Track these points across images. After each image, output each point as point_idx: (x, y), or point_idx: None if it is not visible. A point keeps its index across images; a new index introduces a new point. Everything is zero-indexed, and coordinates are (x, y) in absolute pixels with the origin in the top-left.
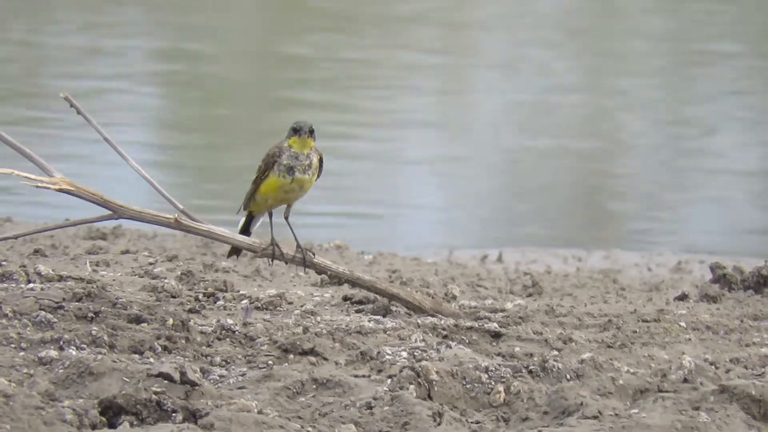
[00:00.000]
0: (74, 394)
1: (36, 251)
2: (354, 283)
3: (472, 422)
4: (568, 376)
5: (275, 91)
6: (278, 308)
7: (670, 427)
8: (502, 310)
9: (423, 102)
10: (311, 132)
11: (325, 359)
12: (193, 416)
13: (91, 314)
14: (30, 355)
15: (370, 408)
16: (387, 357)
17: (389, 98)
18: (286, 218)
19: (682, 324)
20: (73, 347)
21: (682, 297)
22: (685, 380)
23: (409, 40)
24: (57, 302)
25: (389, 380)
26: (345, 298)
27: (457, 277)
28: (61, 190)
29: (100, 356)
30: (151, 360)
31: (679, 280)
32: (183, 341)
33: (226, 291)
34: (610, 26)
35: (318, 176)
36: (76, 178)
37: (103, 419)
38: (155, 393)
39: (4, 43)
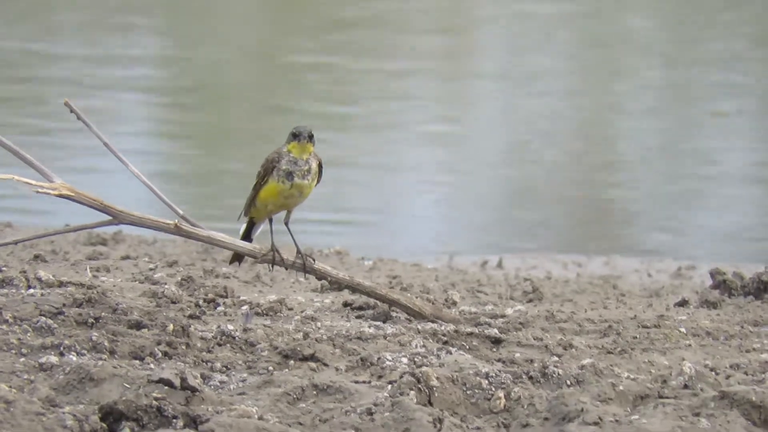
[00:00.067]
0: (75, 400)
1: (36, 257)
2: (354, 288)
3: (472, 428)
4: (569, 382)
5: (275, 99)
6: (278, 314)
7: None
8: (503, 316)
9: (423, 108)
10: (310, 137)
11: (326, 365)
12: (193, 422)
13: (91, 320)
14: (30, 360)
15: (371, 414)
16: (387, 363)
17: (388, 104)
18: (286, 224)
19: (683, 330)
20: (73, 353)
21: (682, 303)
22: (686, 386)
23: (407, 46)
24: (57, 308)
25: (390, 386)
26: (345, 304)
27: (457, 283)
28: (61, 196)
29: (100, 362)
30: (152, 366)
31: (679, 285)
32: (183, 347)
33: (226, 297)
34: (611, 32)
35: (318, 181)
36: (76, 184)
37: (104, 425)
38: (156, 399)
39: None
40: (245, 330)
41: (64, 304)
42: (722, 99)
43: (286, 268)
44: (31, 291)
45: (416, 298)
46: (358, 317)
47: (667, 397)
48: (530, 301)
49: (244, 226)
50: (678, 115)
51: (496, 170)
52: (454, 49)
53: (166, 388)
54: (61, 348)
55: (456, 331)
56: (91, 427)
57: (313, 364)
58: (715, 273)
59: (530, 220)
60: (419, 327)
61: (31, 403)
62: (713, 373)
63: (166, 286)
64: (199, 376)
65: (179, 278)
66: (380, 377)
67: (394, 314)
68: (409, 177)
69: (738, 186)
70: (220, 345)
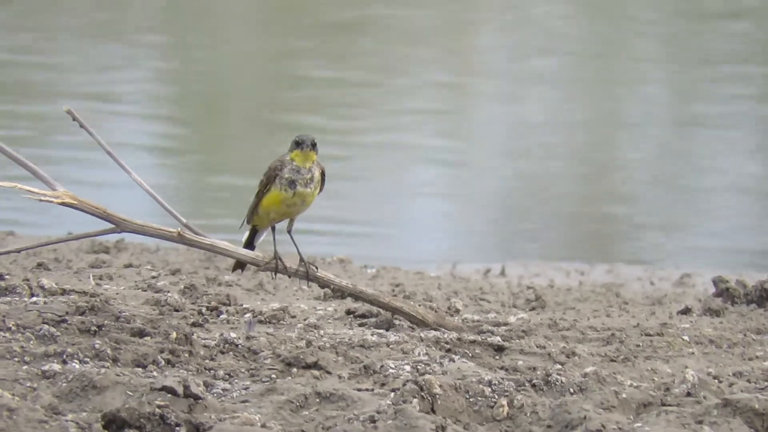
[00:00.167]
0: (77, 408)
1: (39, 265)
2: (357, 296)
3: None
4: (572, 390)
5: (278, 113)
6: (281, 322)
7: None
8: (505, 324)
9: (426, 116)
10: (313, 145)
11: (329, 373)
12: (196, 430)
13: (94, 328)
14: (33, 368)
15: (374, 422)
16: (390, 370)
17: (390, 114)
18: (289, 232)
19: (685, 338)
20: (76, 361)
21: (685, 311)
22: (689, 394)
23: (410, 57)
24: (60, 316)
25: (392, 394)
26: (348, 312)
27: (460, 291)
28: (63, 204)
29: (103, 370)
30: (155, 374)
31: (681, 294)
32: (186, 355)
33: (229, 305)
34: (612, 41)
35: (320, 190)
36: (78, 194)
37: None
38: (159, 407)
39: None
40: (248, 338)
41: (67, 312)
42: (728, 105)
43: (289, 276)
44: (34, 299)
45: (419, 305)
46: (361, 325)
47: (669, 405)
48: (533, 309)
49: (246, 234)
50: (682, 122)
51: (498, 178)
52: (455, 55)
53: (169, 395)
54: (64, 356)
55: (459, 339)
56: None
57: (316, 372)
58: (717, 281)
59: (533, 229)
60: (422, 335)
61: (34, 411)
62: (716, 380)
63: (169, 294)
64: (202, 383)
65: (182, 286)
66: (383, 385)
67: (397, 322)
68: (412, 185)
69: (741, 194)
70: (223, 353)
